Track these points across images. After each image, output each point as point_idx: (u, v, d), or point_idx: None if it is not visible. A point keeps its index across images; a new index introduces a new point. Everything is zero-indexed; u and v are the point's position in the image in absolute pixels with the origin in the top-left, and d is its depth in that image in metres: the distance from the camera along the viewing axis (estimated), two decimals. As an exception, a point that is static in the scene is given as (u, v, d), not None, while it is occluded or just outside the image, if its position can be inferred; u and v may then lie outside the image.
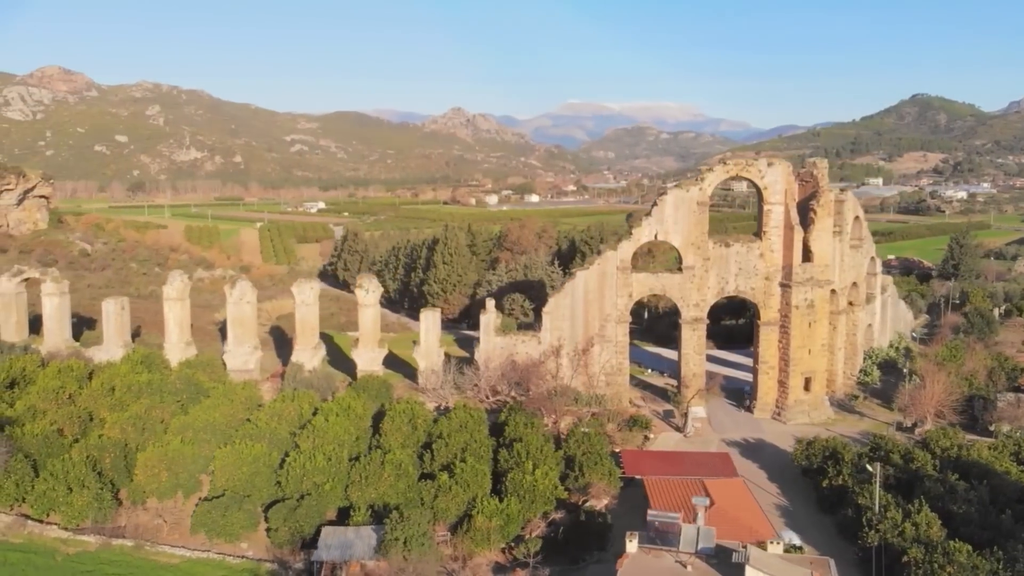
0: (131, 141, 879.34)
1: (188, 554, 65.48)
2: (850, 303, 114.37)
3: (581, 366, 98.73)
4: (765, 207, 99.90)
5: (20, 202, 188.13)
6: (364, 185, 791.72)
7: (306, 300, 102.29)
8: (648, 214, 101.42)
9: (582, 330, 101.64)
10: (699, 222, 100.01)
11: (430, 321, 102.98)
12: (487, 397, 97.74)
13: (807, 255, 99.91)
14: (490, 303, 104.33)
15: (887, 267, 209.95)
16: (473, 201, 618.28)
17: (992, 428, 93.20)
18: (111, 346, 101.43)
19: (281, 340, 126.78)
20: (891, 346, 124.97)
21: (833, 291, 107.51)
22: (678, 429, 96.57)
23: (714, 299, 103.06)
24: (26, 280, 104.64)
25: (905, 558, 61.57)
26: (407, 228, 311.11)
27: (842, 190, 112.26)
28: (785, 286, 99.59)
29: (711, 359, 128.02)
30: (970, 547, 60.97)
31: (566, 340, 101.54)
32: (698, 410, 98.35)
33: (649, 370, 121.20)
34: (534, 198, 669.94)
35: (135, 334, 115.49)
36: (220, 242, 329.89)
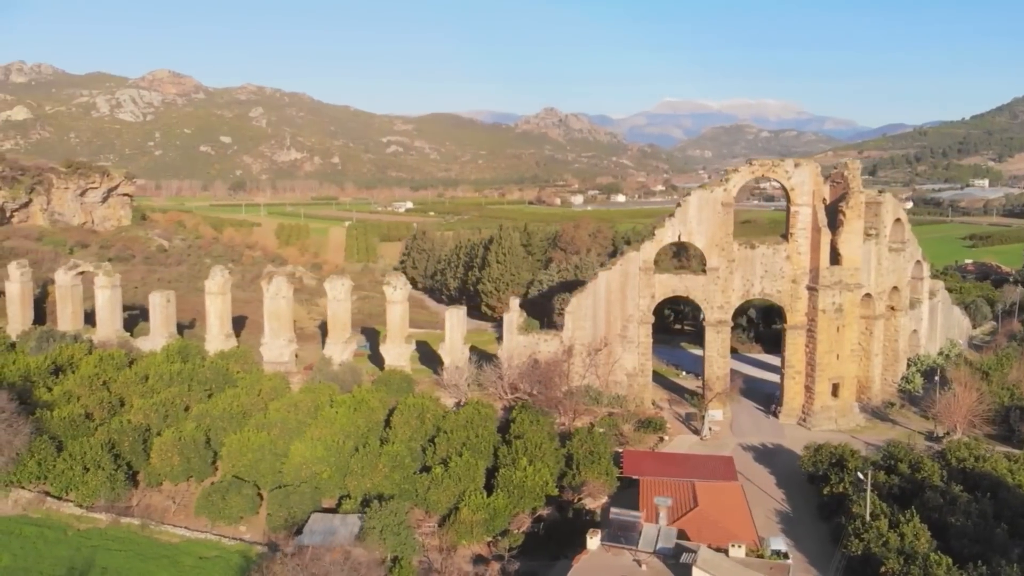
0: (235, 142, 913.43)
1: (188, 534, 69.20)
2: (891, 308, 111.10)
3: (592, 366, 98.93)
4: (792, 208, 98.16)
5: (105, 199, 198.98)
6: (453, 185, 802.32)
7: (337, 296, 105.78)
8: (671, 215, 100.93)
9: (604, 330, 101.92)
10: (723, 223, 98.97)
11: (455, 319, 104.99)
12: (506, 394, 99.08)
13: (836, 258, 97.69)
14: (514, 302, 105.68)
15: (963, 272, 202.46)
16: (558, 201, 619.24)
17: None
18: (157, 336, 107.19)
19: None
20: (941, 353, 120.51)
21: (868, 295, 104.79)
22: (696, 432, 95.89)
23: (739, 302, 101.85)
24: (82, 273, 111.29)
25: (883, 568, 60.33)
26: (478, 228, 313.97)
27: (880, 191, 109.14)
28: (812, 289, 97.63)
29: (757, 363, 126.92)
30: (951, 560, 59.35)
31: (588, 340, 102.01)
32: (716, 413, 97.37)
33: (684, 372, 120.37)
34: (620, 198, 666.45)
35: (188, 325, 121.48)
36: (302, 240, 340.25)
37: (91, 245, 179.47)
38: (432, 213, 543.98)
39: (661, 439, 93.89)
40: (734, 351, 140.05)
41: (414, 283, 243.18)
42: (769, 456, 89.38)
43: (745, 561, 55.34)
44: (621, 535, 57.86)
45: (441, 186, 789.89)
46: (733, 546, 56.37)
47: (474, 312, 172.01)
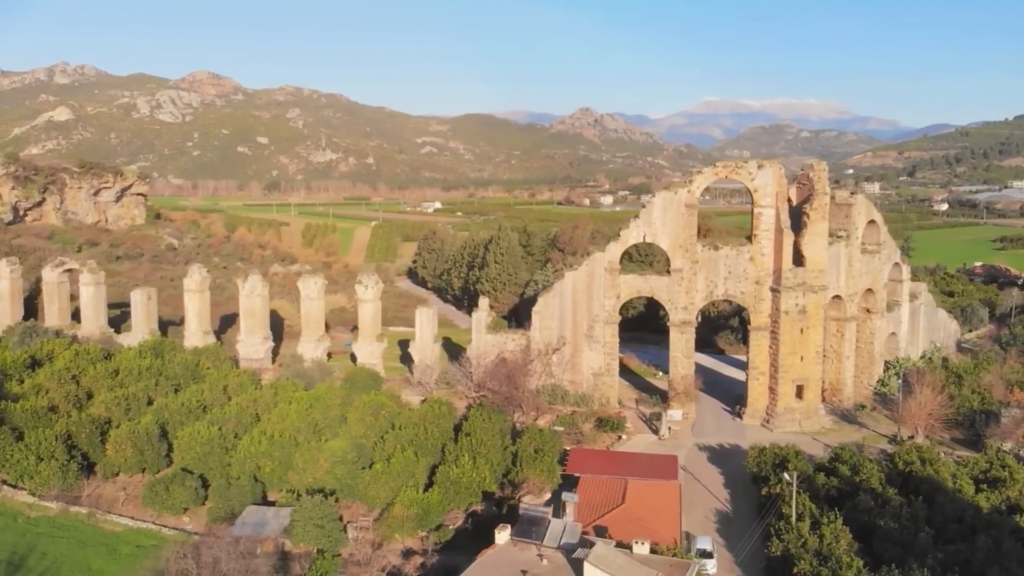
0: (272, 142, 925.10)
1: (131, 523, 71.51)
2: (867, 310, 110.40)
3: (548, 365, 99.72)
4: (756, 210, 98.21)
5: (119, 199, 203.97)
6: (485, 186, 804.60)
7: (310, 295, 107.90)
8: (637, 216, 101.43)
9: (571, 330, 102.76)
10: (687, 224, 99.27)
11: (424, 318, 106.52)
12: (471, 393, 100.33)
13: (801, 260, 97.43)
14: (483, 301, 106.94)
15: (970, 275, 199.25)
16: (587, 201, 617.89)
17: (986, 444, 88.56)
18: (138, 333, 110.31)
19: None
20: (923, 357, 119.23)
21: (838, 297, 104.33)
22: (656, 431, 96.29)
23: (703, 303, 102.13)
24: (68, 271, 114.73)
25: (796, 569, 60.61)
26: (493, 227, 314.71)
27: (852, 192, 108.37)
28: (775, 291, 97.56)
29: (742, 365, 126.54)
30: (862, 563, 59.51)
31: (554, 340, 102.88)
32: (675, 413, 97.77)
33: (660, 373, 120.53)
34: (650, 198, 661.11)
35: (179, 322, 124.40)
36: (321, 239, 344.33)
37: (101, 243, 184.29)
38: (459, 213, 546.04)
39: (619, 438, 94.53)
40: (721, 352, 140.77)
41: (424, 283, 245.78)
42: (723, 457, 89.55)
43: (646, 558, 55.95)
44: (529, 530, 58.83)
45: (472, 186, 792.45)
46: (637, 543, 57.05)
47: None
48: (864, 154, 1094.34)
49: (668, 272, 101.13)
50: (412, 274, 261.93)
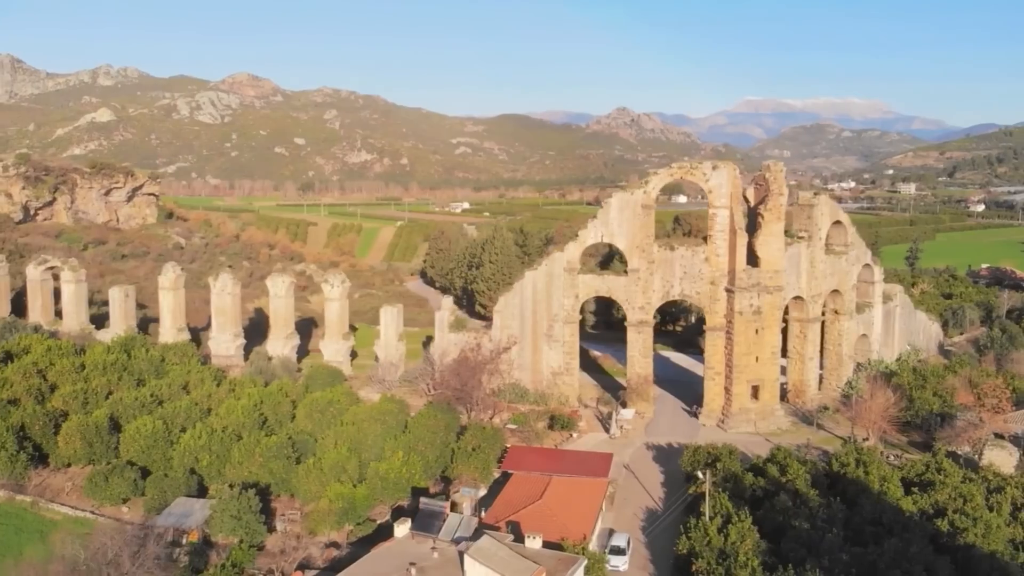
0: (308, 143, 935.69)
1: (69, 512, 73.85)
2: (835, 311, 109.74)
3: (496, 364, 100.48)
4: (711, 211, 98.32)
5: (130, 199, 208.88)
6: (516, 186, 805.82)
7: (278, 293, 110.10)
8: (595, 216, 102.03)
9: (530, 329, 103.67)
10: (644, 225, 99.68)
11: (389, 317, 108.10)
12: (430, 391, 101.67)
13: (757, 260, 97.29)
14: (446, 300, 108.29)
15: (975, 277, 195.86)
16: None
17: (934, 447, 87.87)
18: (116, 329, 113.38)
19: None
20: (898, 359, 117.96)
21: (799, 298, 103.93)
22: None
23: (659, 302, 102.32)
24: (51, 268, 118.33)
25: (694, 566, 61.12)
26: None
27: (815, 193, 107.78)
28: (730, 291, 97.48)
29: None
30: (758, 562, 59.92)
31: (516, 339, 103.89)
32: (626, 412, 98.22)
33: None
34: (682, 198, 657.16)
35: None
36: (340, 238, 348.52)
37: (108, 242, 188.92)
38: (487, 214, 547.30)
39: (571, 436, 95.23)
40: (702, 352, 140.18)
41: (432, 283, 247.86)
42: (669, 456, 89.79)
43: (536, 552, 56.61)
44: (427, 524, 60.04)
45: (503, 187, 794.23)
46: (529, 537, 57.86)
47: (471, 312, 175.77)
48: (905, 154, 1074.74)
49: (625, 272, 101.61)
50: (424, 274, 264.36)
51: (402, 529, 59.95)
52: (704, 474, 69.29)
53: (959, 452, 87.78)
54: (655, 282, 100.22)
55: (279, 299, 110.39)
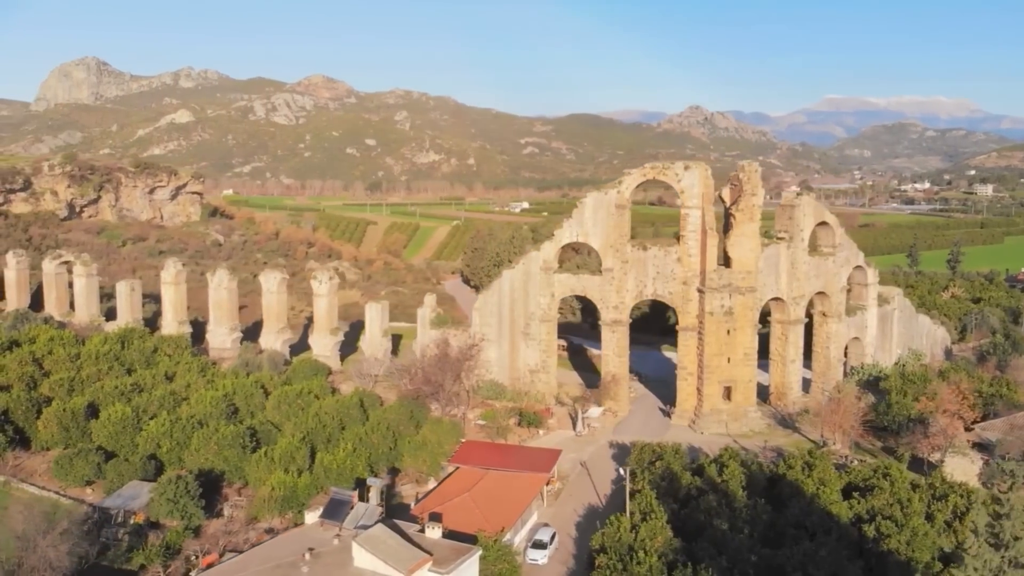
0: (379, 144, 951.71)
1: (36, 492, 78.34)
2: (823, 313, 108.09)
3: (473, 360, 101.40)
4: (683, 211, 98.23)
5: (174, 197, 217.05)
6: (580, 186, 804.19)
7: (271, 288, 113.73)
8: (570, 216, 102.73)
9: (508, 327, 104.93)
10: (618, 225, 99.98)
11: (374, 312, 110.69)
12: (407, 386, 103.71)
13: (730, 261, 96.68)
14: (429, 298, 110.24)
15: (1012, 281, 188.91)
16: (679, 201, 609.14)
17: (898, 452, 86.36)
18: (122, 321, 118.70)
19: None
20: (897, 363, 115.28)
21: (779, 300, 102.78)
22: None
23: (633, 302, 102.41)
24: (66, 263, 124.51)
25: (596, 561, 61.84)
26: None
27: (798, 194, 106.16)
28: (701, 292, 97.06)
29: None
30: (656, 559, 60.35)
31: (494, 336, 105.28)
32: (594, 411, 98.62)
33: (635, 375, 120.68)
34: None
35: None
36: (386, 238, 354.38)
37: (148, 239, 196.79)
38: (545, 213, 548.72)
39: (539, 433, 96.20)
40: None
41: (467, 281, 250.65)
42: (629, 454, 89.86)
43: (431, 542, 57.93)
44: (335, 511, 62.04)
45: (568, 186, 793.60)
46: (429, 527, 59.37)
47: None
48: (989, 154, 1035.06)
49: (600, 272, 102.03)
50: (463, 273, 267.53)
51: (311, 516, 62.11)
52: (626, 471, 69.64)
53: (930, 459, 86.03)
54: (628, 282, 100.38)
55: (271, 294, 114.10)
